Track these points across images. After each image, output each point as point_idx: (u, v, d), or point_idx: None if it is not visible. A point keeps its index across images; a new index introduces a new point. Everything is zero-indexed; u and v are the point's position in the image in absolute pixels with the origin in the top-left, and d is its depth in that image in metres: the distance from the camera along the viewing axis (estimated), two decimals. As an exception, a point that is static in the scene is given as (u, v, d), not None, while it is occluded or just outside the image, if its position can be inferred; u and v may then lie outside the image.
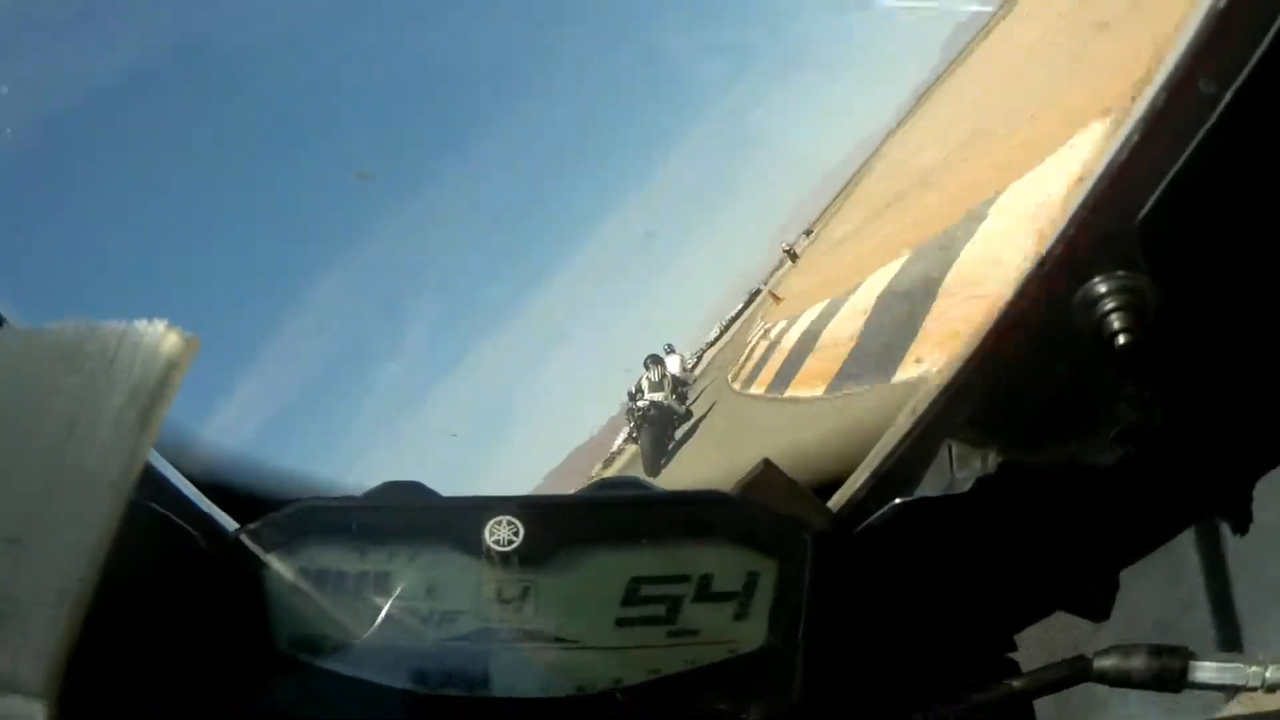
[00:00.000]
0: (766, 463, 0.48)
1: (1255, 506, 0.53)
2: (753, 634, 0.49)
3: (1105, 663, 0.56)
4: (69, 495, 0.41)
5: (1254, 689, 0.57)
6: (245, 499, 0.57)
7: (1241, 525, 0.53)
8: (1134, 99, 0.46)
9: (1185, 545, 0.55)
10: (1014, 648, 0.56)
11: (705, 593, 0.48)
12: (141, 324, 0.43)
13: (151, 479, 0.55)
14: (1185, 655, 0.56)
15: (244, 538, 0.53)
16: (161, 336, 0.43)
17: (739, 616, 0.48)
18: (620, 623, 0.48)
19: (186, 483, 0.56)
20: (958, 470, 0.49)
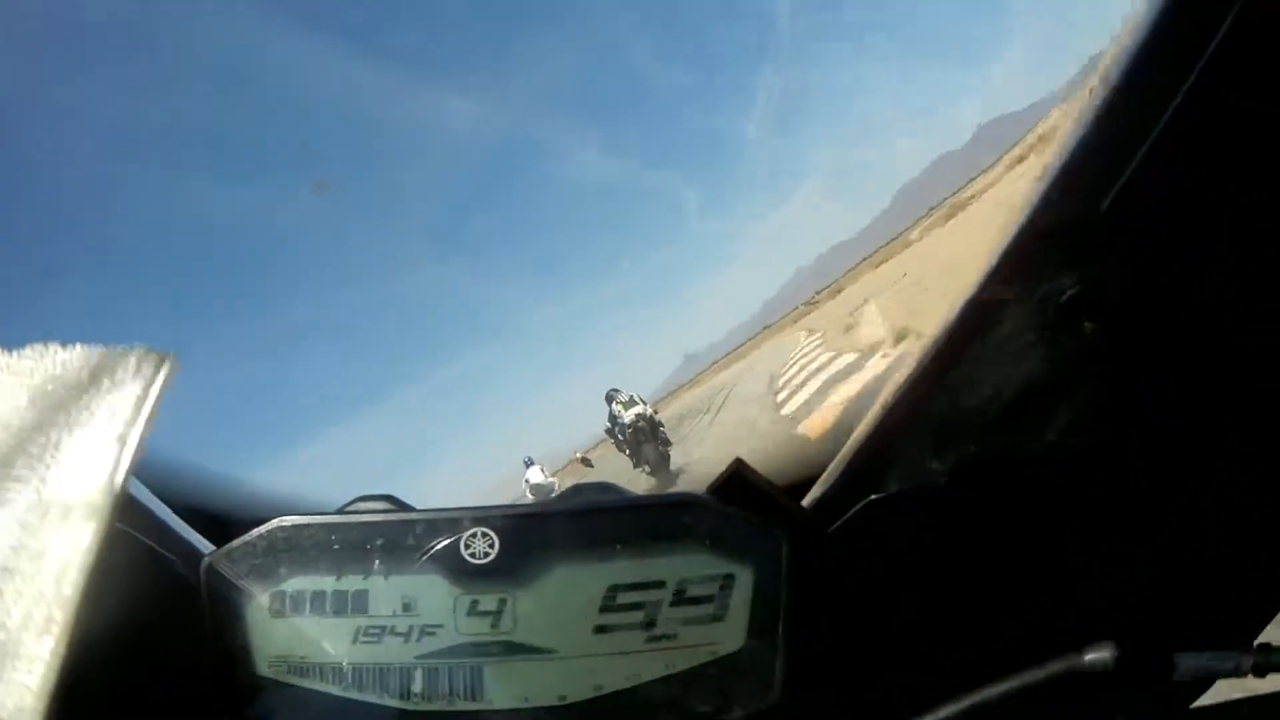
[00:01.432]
0: (739, 462, 0.48)
1: (1229, 492, 0.53)
2: (731, 636, 0.48)
3: (1092, 655, 0.57)
4: (52, 523, 0.40)
5: (1244, 674, 0.57)
6: (220, 520, 0.57)
7: (1215, 512, 0.54)
8: (1091, 90, 0.47)
9: (1160, 534, 0.55)
10: (998, 642, 0.56)
11: (682, 597, 0.48)
12: (120, 348, 0.43)
13: (126, 503, 0.55)
14: (1172, 644, 0.56)
15: (219, 560, 0.53)
16: (140, 360, 0.43)
17: (716, 619, 0.48)
18: (599, 630, 0.48)
19: (161, 506, 0.56)
20: (931, 463, 0.49)
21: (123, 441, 0.42)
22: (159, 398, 0.43)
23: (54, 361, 0.43)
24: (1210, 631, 0.58)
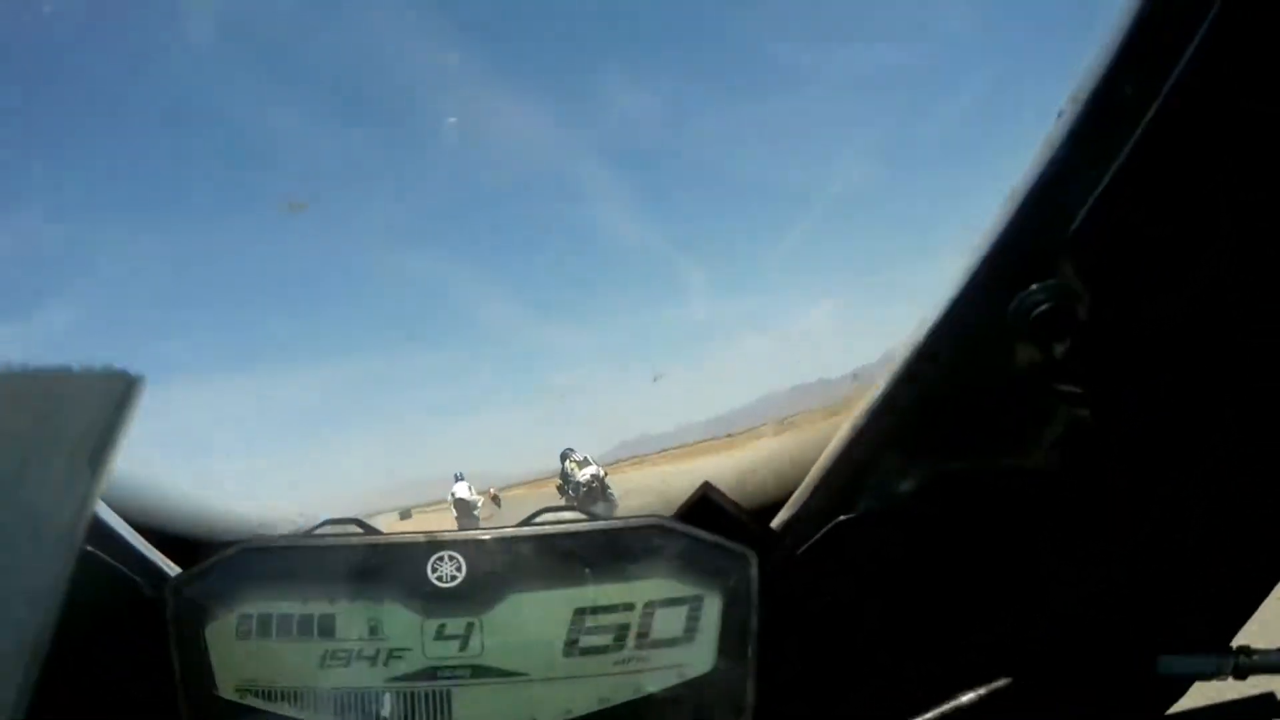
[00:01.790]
0: (707, 485, 0.48)
1: (1195, 504, 0.53)
2: (701, 658, 0.48)
3: (1068, 663, 0.57)
4: (23, 544, 0.40)
5: (1225, 676, 0.57)
6: (186, 542, 0.56)
7: (1183, 523, 0.54)
8: (1061, 112, 0.46)
9: (1134, 542, 0.55)
10: (973, 655, 0.56)
11: (651, 619, 0.48)
12: (87, 367, 0.42)
13: (92, 524, 0.54)
14: (1149, 650, 0.56)
15: (185, 583, 0.52)
16: (109, 380, 0.42)
17: (686, 641, 0.48)
18: (567, 653, 0.48)
19: (126, 527, 0.55)
20: (900, 483, 0.49)
21: (93, 464, 0.42)
22: (128, 420, 0.42)
23: (21, 381, 0.42)
24: (1188, 635, 0.58)
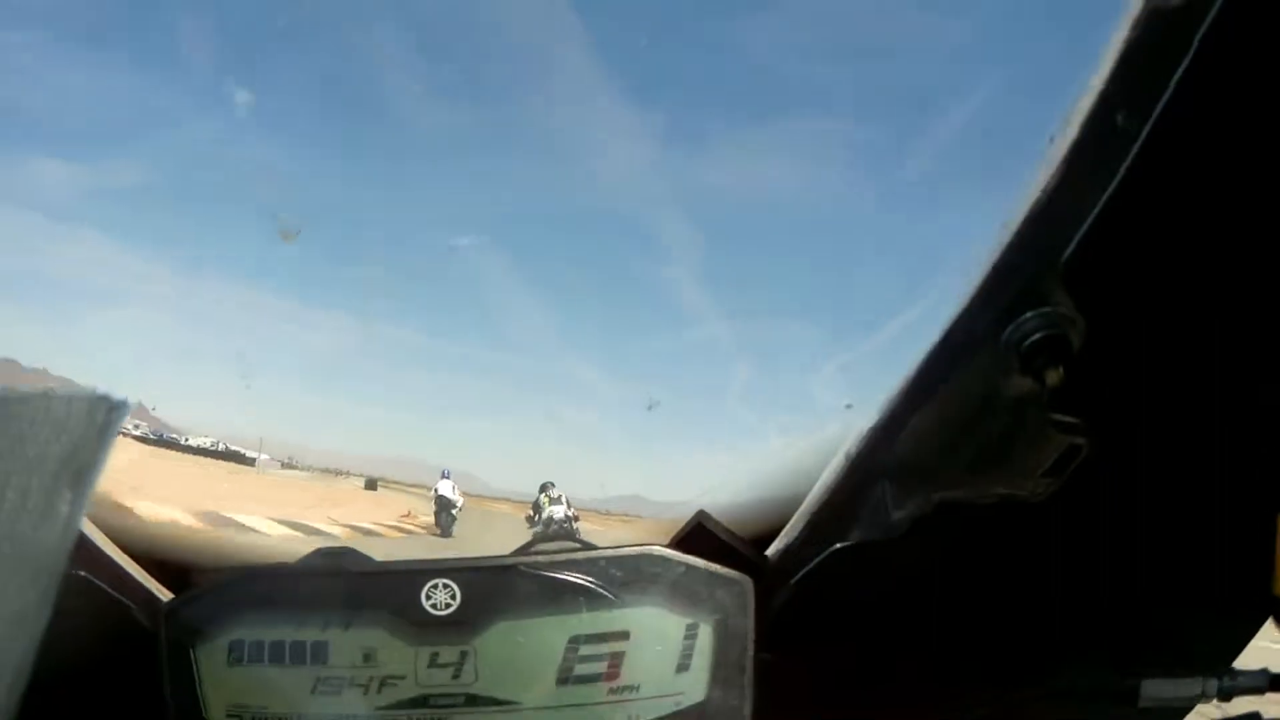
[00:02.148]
0: (702, 514, 0.48)
1: (1188, 529, 0.53)
2: (696, 686, 0.48)
3: (1059, 686, 0.57)
4: (4, 567, 0.39)
5: (1209, 699, 0.58)
6: (179, 567, 0.56)
7: (1177, 548, 0.54)
8: (1052, 139, 0.46)
9: (1124, 569, 0.55)
10: (962, 682, 0.56)
11: (645, 648, 0.48)
12: (69, 389, 0.41)
13: (83, 548, 0.54)
14: (1138, 673, 0.56)
15: (178, 607, 0.52)
16: (92, 402, 0.42)
17: (681, 669, 0.48)
18: (561, 681, 0.48)
19: (119, 551, 0.55)
20: (894, 511, 0.48)
21: (76, 483, 0.41)
22: (111, 441, 0.42)
23: (4, 401, 0.42)
24: (1182, 660, 0.58)
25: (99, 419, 0.42)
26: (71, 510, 0.42)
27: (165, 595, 0.54)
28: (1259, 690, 0.55)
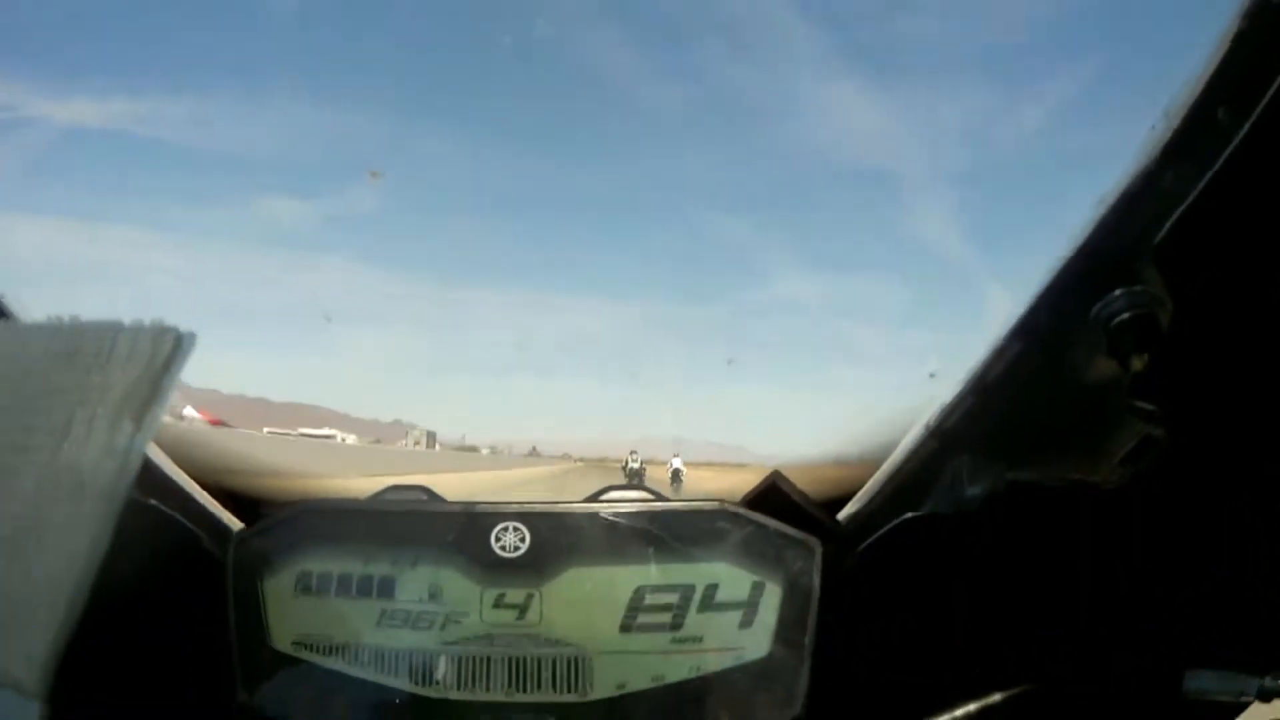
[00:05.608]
0: (776, 474, 0.48)
1: (1259, 525, 0.53)
2: (758, 643, 0.48)
3: (1109, 673, 0.57)
4: (65, 496, 0.40)
5: (1249, 699, 0.57)
6: (250, 499, 0.57)
7: (1245, 543, 0.53)
8: (1154, 126, 0.46)
9: (1189, 561, 0.55)
10: (1019, 660, 0.55)
11: (710, 601, 0.48)
12: (137, 321, 0.42)
13: (156, 478, 0.55)
14: (1185, 665, 0.56)
15: (249, 537, 0.53)
16: (157, 334, 0.42)
17: (744, 625, 0.48)
18: (625, 629, 0.48)
19: (191, 482, 0.56)
20: (968, 487, 0.48)
21: (140, 416, 0.42)
22: (176, 373, 0.42)
23: (74, 333, 0.42)
24: (1225, 655, 0.58)
25: (165, 351, 0.42)
26: (134, 442, 0.42)
27: (235, 525, 0.55)
28: None
